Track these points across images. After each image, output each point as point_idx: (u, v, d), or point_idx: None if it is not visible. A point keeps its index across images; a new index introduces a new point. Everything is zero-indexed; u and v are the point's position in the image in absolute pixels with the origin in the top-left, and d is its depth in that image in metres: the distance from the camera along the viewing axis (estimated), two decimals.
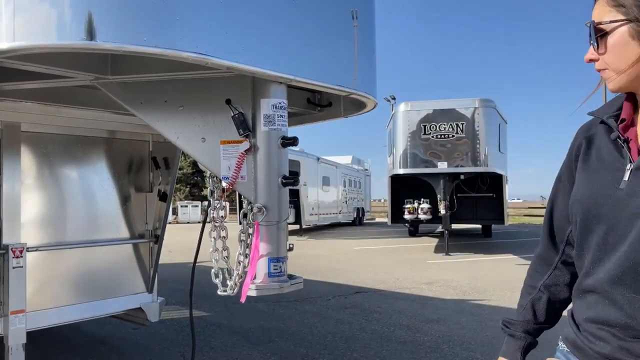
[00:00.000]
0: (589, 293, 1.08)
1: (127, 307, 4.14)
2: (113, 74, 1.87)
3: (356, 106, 2.41)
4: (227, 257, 1.90)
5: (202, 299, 6.86)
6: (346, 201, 23.37)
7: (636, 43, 0.96)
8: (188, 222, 28.10)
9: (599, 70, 1.05)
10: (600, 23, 1.00)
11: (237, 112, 1.76)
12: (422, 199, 12.18)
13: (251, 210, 1.84)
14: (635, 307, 0.96)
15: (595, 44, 1.01)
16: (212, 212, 1.94)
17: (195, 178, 38.58)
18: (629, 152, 1.02)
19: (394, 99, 27.16)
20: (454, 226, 14.47)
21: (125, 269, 4.12)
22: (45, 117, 3.42)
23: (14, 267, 3.30)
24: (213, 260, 1.92)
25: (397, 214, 12.60)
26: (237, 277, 1.84)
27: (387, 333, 5.16)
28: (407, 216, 12.28)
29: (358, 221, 25.52)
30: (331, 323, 5.59)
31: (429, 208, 12.11)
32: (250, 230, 1.85)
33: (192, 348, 2.91)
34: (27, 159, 3.54)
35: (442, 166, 10.39)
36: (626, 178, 0.99)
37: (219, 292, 1.89)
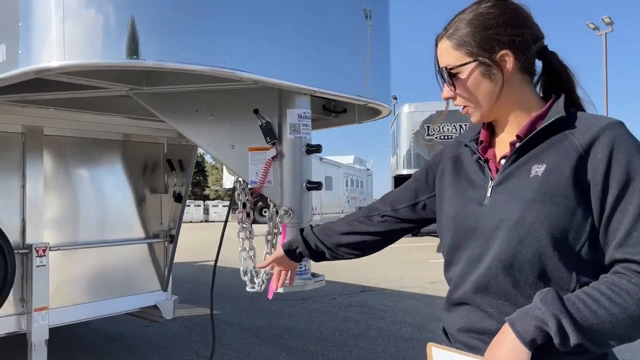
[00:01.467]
0: (459, 305, 1.12)
1: (143, 305, 4.27)
2: (147, 85, 1.99)
3: (371, 113, 2.54)
4: (253, 256, 2.02)
5: (216, 298, 6.99)
6: (348, 201, 23.49)
7: (487, 81, 1.06)
8: (190, 222, 28.23)
9: (458, 106, 1.15)
10: (452, 68, 1.08)
11: (264, 121, 1.89)
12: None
13: (277, 213, 1.96)
14: (503, 313, 1.00)
15: (452, 86, 1.10)
16: (239, 214, 2.06)
17: (197, 178, 38.71)
18: (490, 171, 1.11)
19: (395, 99, 27.28)
20: None
21: (141, 267, 4.25)
22: (66, 121, 3.54)
23: (37, 266, 3.43)
24: (241, 259, 2.05)
25: None
26: (263, 275, 1.97)
27: (393, 331, 5.29)
28: None
29: None
30: (338, 321, 5.72)
31: None
32: (276, 231, 1.97)
33: (212, 346, 3.03)
34: (48, 162, 3.67)
35: None
36: (489, 194, 1.08)
37: (247, 289, 2.01)
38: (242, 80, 1.71)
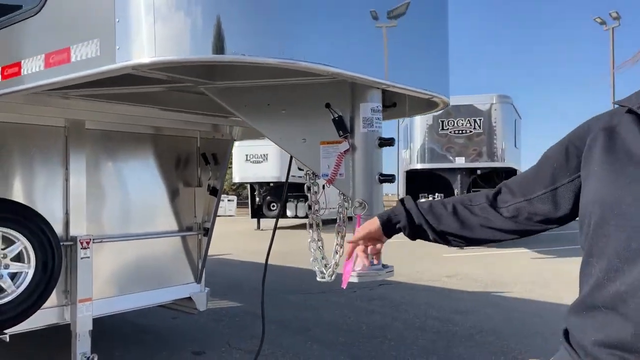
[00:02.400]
0: (599, 310, 0.91)
1: (178, 297, 4.34)
2: (220, 80, 2.03)
3: (423, 106, 2.57)
4: (321, 246, 2.07)
5: (233, 291, 7.06)
6: None
7: None
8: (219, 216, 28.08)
9: None
10: None
11: (336, 115, 1.93)
12: (436, 194, 12.35)
13: (346, 207, 2.01)
14: None
15: None
16: (309, 206, 2.11)
17: None
18: None
19: None
20: None
21: (175, 260, 4.31)
22: (107, 114, 3.58)
23: (81, 258, 3.48)
24: (310, 249, 2.10)
25: None
26: (334, 266, 2.01)
27: (419, 323, 5.35)
28: None
29: None
30: (363, 313, 5.78)
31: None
32: (345, 223, 2.02)
33: (261, 339, 3.09)
34: (90, 155, 3.71)
35: (460, 161, 10.57)
36: None
37: (318, 279, 2.06)
38: (323, 74, 1.75)
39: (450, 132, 10.70)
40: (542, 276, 8.27)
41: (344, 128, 1.92)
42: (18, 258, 3.21)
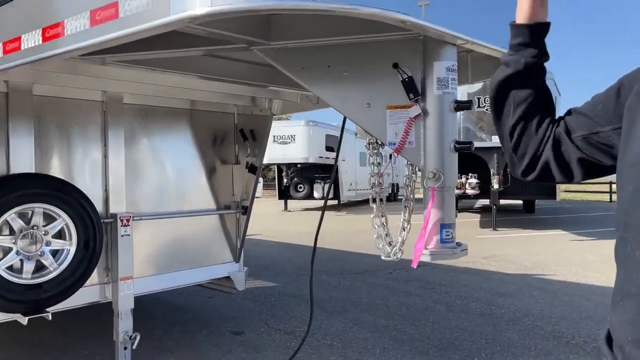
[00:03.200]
0: (636, 298, 0.77)
1: (216, 276, 4.25)
2: (276, 40, 1.86)
3: (490, 70, 2.35)
4: (385, 223, 1.90)
5: (266, 271, 6.99)
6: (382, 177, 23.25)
7: None
8: None
9: None
10: None
11: (406, 76, 1.74)
12: (469, 174, 12.01)
13: (414, 180, 1.83)
14: None
15: None
16: (373, 178, 1.94)
17: None
18: None
19: None
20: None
21: (213, 239, 4.21)
22: (144, 86, 3.43)
23: (122, 236, 3.40)
24: (374, 225, 1.93)
25: None
26: (400, 243, 1.85)
27: (461, 306, 5.16)
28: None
29: (393, 197, 25.44)
30: (401, 295, 5.62)
31: (477, 183, 11.93)
32: (412, 198, 1.85)
33: (309, 323, 2.97)
34: (128, 131, 3.61)
35: (497, 140, 10.16)
36: None
37: (382, 258, 1.90)
38: (393, 23, 1.56)
39: (487, 109, 10.31)
40: (584, 258, 7.96)
41: (414, 90, 1.72)
42: (59, 235, 3.14)
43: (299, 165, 18.28)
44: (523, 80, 1.09)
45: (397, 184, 26.40)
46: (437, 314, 4.85)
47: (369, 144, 1.91)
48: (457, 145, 1.72)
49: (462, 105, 1.75)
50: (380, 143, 1.90)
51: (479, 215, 15.32)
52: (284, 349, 3.91)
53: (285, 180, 18.60)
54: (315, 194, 18.62)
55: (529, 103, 1.08)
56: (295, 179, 18.80)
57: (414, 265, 1.70)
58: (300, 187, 18.82)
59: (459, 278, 6.51)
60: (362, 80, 1.83)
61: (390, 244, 1.88)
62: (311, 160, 17.18)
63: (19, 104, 3.03)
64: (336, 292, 5.78)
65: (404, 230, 1.84)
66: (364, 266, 7.39)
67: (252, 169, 4.14)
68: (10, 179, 2.93)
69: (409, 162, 1.85)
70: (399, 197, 26.54)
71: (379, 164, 1.91)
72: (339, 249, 8.98)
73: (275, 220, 14.93)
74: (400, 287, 6.03)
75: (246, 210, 4.27)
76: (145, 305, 5.08)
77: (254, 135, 4.18)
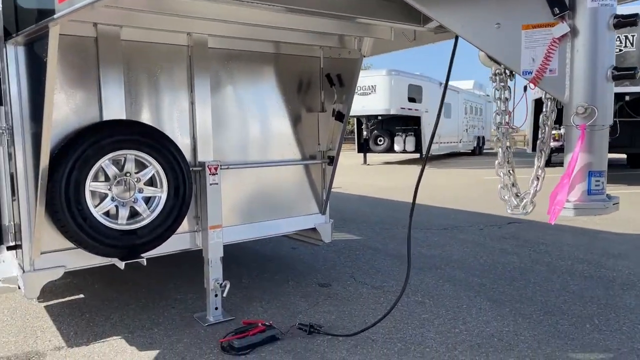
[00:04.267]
0: None
1: (303, 227, 4.16)
2: None
3: None
4: (512, 171, 1.59)
5: (348, 224, 6.87)
6: (467, 129, 22.14)
7: None
8: None
9: None
10: None
11: None
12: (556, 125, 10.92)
13: (552, 119, 1.49)
14: None
15: None
16: (499, 117, 1.63)
17: None
18: None
19: None
20: None
21: (299, 190, 4.09)
22: (229, 27, 3.24)
23: (210, 184, 3.35)
24: (499, 173, 1.63)
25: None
26: (532, 195, 1.54)
27: (565, 267, 4.71)
28: (552, 144, 11.15)
29: (478, 150, 24.25)
30: (495, 253, 5.25)
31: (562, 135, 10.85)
32: (549, 141, 1.52)
33: (405, 280, 2.77)
34: (213, 77, 3.49)
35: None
36: None
37: (508, 211, 1.61)
38: None
39: None
40: None
41: (560, 4, 1.36)
42: (151, 183, 3.15)
43: (379, 117, 17.79)
44: None
45: (484, 137, 25.05)
46: (538, 275, 4.45)
47: (494, 75, 1.58)
48: (615, 73, 1.35)
49: (626, 21, 1.35)
50: (509, 73, 1.56)
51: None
52: (373, 303, 3.77)
53: (364, 132, 18.24)
54: (396, 147, 18.14)
55: None
56: (375, 131, 18.37)
57: (552, 220, 1.40)
58: (380, 140, 18.40)
59: (560, 237, 5.98)
60: None
61: (517, 195, 1.58)
62: (392, 112, 16.62)
63: (109, 49, 2.98)
64: (424, 248, 5.53)
65: (538, 179, 1.53)
66: (451, 221, 7.04)
67: (339, 116, 3.90)
68: (105, 126, 2.93)
69: (547, 96, 1.51)
70: (484, 151, 25.25)
71: (506, 99, 1.58)
72: (423, 203, 8.64)
73: (354, 173, 14.76)
74: (494, 244, 5.64)
75: (332, 161, 4.07)
76: (231, 254, 5.18)
77: (341, 80, 3.91)
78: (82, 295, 3.98)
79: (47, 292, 4.03)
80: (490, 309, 3.64)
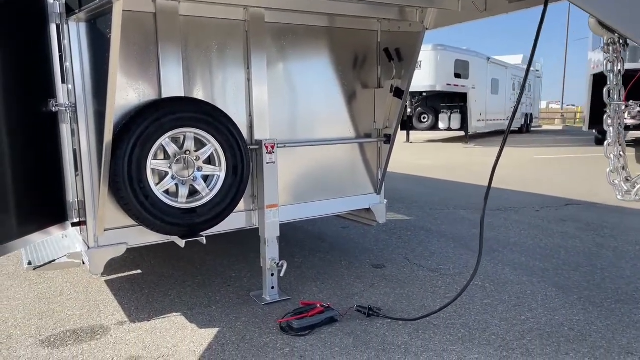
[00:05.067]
0: None
1: (357, 207, 4.07)
2: None
3: None
4: (623, 153, 1.43)
5: (397, 204, 6.74)
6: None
7: None
8: None
9: None
10: None
11: None
12: (631, 101, 10.26)
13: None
14: None
15: None
16: (611, 93, 1.46)
17: None
18: None
19: None
20: None
21: (354, 169, 3.98)
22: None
23: (267, 163, 3.29)
24: (609, 155, 1.48)
25: (595, 119, 10.89)
26: None
27: (634, 252, 4.44)
28: (629, 121, 10.53)
29: (525, 128, 23.36)
30: (556, 236, 5.01)
31: (639, 112, 10.20)
32: None
33: (476, 266, 2.64)
34: (270, 53, 3.40)
35: None
36: None
37: (618, 197, 1.46)
38: None
39: None
40: None
41: None
42: (209, 161, 3.11)
43: (424, 94, 17.33)
44: None
45: (532, 115, 24.07)
46: (605, 261, 4.21)
47: (607, 44, 1.40)
48: None
49: None
50: (623, 43, 1.38)
51: (632, 150, 13.33)
52: (431, 287, 3.66)
53: (408, 110, 17.83)
54: (441, 125, 17.68)
55: None
56: (419, 108, 17.94)
57: None
58: (424, 118, 17.97)
59: (626, 220, 5.65)
60: None
61: (627, 179, 1.42)
62: (438, 88, 16.14)
63: (167, 25, 2.93)
64: (476, 228, 5.34)
65: None
66: (504, 202, 6.78)
67: (397, 92, 3.74)
68: (166, 103, 2.90)
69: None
70: (531, 129, 24.29)
71: (619, 72, 1.40)
72: (472, 183, 8.38)
73: (397, 151, 14.49)
74: (554, 227, 5.39)
75: (389, 139, 3.93)
76: (282, 232, 5.16)
77: (399, 54, 3.73)
78: (140, 271, 4.06)
79: (107, 266, 4.12)
80: (556, 295, 3.46)
